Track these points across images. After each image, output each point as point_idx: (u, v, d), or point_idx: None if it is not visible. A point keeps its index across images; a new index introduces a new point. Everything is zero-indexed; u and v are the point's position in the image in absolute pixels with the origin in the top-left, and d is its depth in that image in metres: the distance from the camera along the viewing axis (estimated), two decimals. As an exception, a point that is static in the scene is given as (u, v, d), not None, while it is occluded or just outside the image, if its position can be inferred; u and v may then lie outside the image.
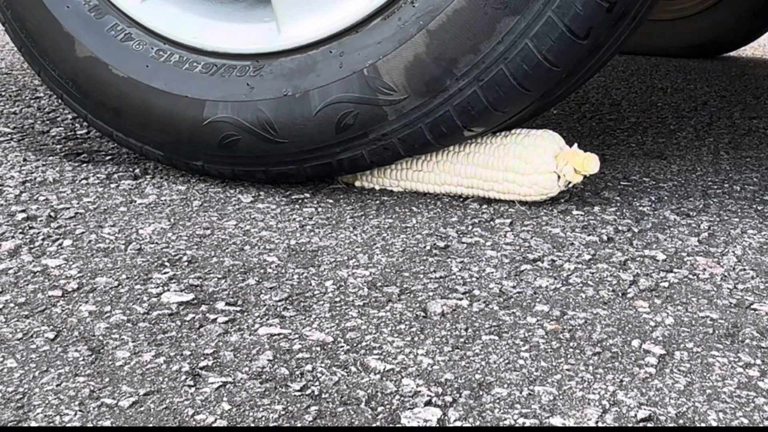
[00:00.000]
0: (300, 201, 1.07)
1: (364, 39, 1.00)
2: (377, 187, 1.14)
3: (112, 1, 1.12)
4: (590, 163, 1.04)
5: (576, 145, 1.05)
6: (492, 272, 0.85)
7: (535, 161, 1.03)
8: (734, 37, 2.98)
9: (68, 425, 0.56)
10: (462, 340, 0.70)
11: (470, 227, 0.99)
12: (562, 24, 0.92)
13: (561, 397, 0.61)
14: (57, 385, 0.61)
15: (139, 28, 1.11)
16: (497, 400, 0.61)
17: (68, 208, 1.01)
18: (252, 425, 0.57)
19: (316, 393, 0.61)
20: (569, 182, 1.05)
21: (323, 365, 0.65)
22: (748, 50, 3.25)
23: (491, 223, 1.01)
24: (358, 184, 1.14)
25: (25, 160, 1.22)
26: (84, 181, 1.12)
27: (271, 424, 0.57)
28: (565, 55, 0.95)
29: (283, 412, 0.58)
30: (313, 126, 1.02)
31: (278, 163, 1.07)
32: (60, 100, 1.23)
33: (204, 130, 1.06)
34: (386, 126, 1.00)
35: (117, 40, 1.11)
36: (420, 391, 0.61)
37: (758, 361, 0.68)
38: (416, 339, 0.70)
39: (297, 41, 1.03)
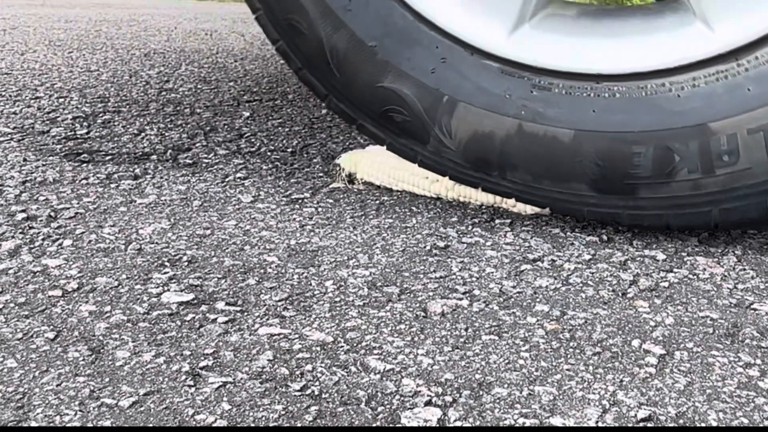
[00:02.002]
0: (300, 201, 1.07)
1: None
2: (377, 183, 1.14)
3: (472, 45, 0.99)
4: None
5: None
6: (492, 272, 0.85)
7: None
8: None
9: (68, 425, 0.56)
10: (462, 340, 0.70)
11: (470, 227, 0.99)
12: None
13: (561, 397, 0.61)
14: (57, 385, 0.61)
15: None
16: (497, 400, 0.61)
17: (68, 208, 1.01)
18: (252, 425, 0.57)
19: (316, 393, 0.61)
20: None
21: (323, 365, 0.65)
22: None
23: (491, 223, 1.01)
24: (359, 176, 1.15)
25: (25, 160, 1.22)
26: (84, 181, 1.12)
27: (271, 424, 0.57)
28: None
29: (283, 412, 0.58)
30: None
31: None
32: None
33: None
34: None
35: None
36: (420, 391, 0.61)
37: (758, 361, 0.68)
38: (416, 339, 0.70)
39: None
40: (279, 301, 0.77)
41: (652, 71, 0.91)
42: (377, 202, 1.08)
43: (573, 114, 0.93)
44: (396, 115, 1.00)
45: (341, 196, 1.10)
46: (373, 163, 1.14)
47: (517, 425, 0.58)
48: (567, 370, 0.65)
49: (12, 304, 0.74)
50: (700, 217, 0.92)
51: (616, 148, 0.91)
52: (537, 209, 1.04)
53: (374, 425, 0.57)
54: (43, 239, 0.90)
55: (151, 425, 0.56)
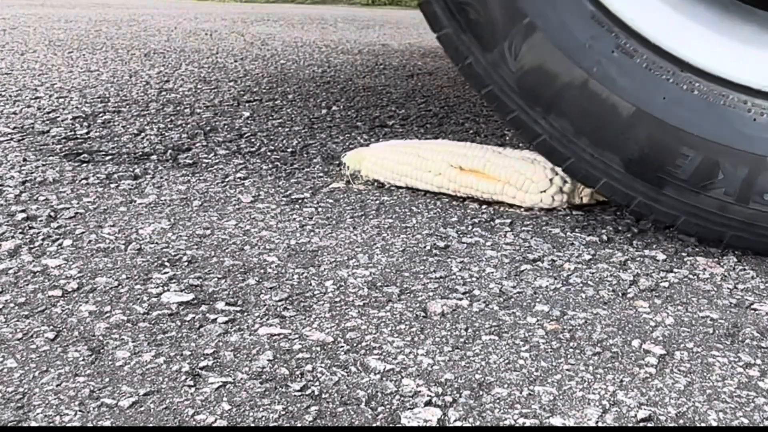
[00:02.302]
0: (300, 201, 1.07)
1: None
2: (381, 179, 1.14)
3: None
4: None
5: None
6: (492, 272, 0.85)
7: (541, 180, 1.03)
8: None
9: (68, 425, 0.56)
10: (462, 340, 0.70)
11: (470, 227, 0.99)
12: None
13: (561, 397, 0.61)
14: (57, 385, 0.61)
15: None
16: (497, 400, 0.60)
17: (68, 208, 1.01)
18: (252, 425, 0.57)
19: (316, 393, 0.61)
20: (577, 203, 1.06)
21: (323, 365, 0.65)
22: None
23: (491, 223, 1.01)
24: (364, 173, 1.15)
25: (25, 160, 1.22)
26: (84, 181, 1.12)
27: (271, 424, 0.57)
28: None
29: (283, 412, 0.58)
30: None
31: None
32: None
33: None
34: None
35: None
36: (420, 391, 0.61)
37: (758, 361, 0.68)
38: (416, 339, 0.70)
39: None
40: (279, 301, 0.77)
41: (743, 85, 0.88)
42: (377, 202, 1.08)
43: (643, 92, 0.90)
44: (471, 11, 0.95)
45: (341, 196, 1.10)
46: (377, 160, 1.14)
47: (517, 425, 0.58)
48: (567, 370, 0.65)
49: (12, 304, 0.74)
50: (711, 233, 0.92)
51: (667, 142, 0.90)
52: (534, 203, 1.04)
53: (374, 425, 0.57)
54: (43, 239, 0.90)
55: (151, 425, 0.56)
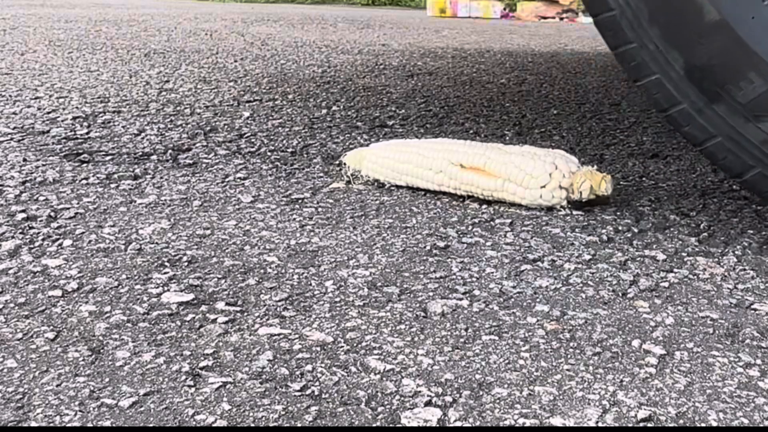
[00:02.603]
0: (300, 201, 1.07)
1: None
2: (382, 179, 1.14)
3: None
4: (606, 184, 1.06)
5: (594, 166, 1.07)
6: (492, 272, 0.85)
7: (541, 175, 1.03)
8: None
9: (68, 425, 0.56)
10: (462, 340, 0.70)
11: (470, 227, 0.99)
12: None
13: (561, 397, 0.61)
14: (57, 385, 0.61)
15: None
16: (497, 400, 0.60)
17: (68, 208, 1.01)
18: (252, 425, 0.57)
19: (316, 393, 0.61)
20: (576, 199, 1.06)
21: (323, 365, 0.65)
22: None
23: (491, 223, 1.01)
24: (364, 172, 1.15)
25: (25, 160, 1.22)
26: (84, 181, 1.12)
27: (271, 424, 0.57)
28: None
29: (283, 412, 0.58)
30: None
31: None
32: None
33: None
34: None
35: None
36: (420, 391, 0.61)
37: (758, 361, 0.68)
38: (416, 339, 0.70)
39: None
40: (279, 301, 0.77)
41: None
42: (377, 202, 1.08)
43: (734, 4, 0.87)
44: None
45: (341, 196, 1.10)
46: (377, 159, 1.14)
47: (517, 425, 0.58)
48: (567, 370, 0.65)
49: (12, 304, 0.74)
50: (738, 164, 0.90)
51: (739, 61, 0.87)
52: (534, 198, 1.04)
53: (374, 425, 0.57)
54: (43, 239, 0.90)
55: (151, 425, 0.56)
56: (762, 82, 0.87)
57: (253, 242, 0.92)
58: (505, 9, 6.30)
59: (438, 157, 1.09)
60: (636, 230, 1.00)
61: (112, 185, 1.11)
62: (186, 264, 0.85)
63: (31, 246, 0.88)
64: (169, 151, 1.32)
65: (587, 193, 1.06)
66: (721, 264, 0.90)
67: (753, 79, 0.87)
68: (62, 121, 1.50)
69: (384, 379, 0.63)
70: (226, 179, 1.17)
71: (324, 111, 1.75)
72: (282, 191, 1.11)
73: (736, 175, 0.91)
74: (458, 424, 0.57)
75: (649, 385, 0.63)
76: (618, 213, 1.07)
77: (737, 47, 0.87)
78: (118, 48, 2.70)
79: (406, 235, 0.96)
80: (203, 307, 0.75)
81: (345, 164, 1.18)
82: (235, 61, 2.53)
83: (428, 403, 0.60)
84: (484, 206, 1.07)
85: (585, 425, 0.58)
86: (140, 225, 0.96)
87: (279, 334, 0.70)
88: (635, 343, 0.70)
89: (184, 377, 0.62)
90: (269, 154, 1.34)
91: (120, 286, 0.79)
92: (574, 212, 1.06)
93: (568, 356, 0.68)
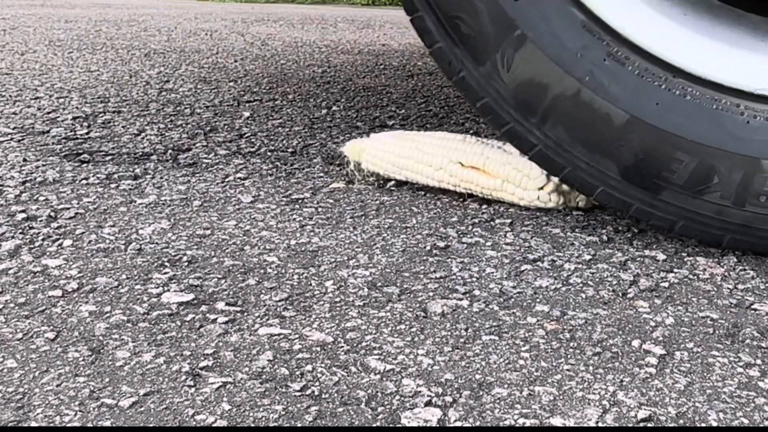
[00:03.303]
0: (300, 201, 1.07)
1: None
2: (381, 172, 1.14)
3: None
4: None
5: None
6: (492, 272, 0.85)
7: (538, 177, 1.04)
8: None
9: (68, 425, 0.56)
10: (462, 340, 0.70)
11: (470, 227, 0.99)
12: None
13: (561, 397, 0.61)
14: (57, 385, 0.61)
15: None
16: (497, 400, 0.60)
17: (68, 208, 1.01)
18: (252, 425, 0.57)
19: (316, 393, 0.61)
20: (573, 207, 1.06)
21: (323, 365, 0.65)
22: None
23: (491, 223, 1.01)
24: (363, 165, 1.16)
25: (25, 160, 1.22)
26: (84, 181, 1.12)
27: (271, 424, 0.57)
28: None
29: (283, 412, 0.58)
30: None
31: None
32: None
33: None
34: None
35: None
36: (420, 392, 0.61)
37: (758, 361, 0.68)
38: (416, 339, 0.70)
39: None
40: (279, 301, 0.77)
41: (735, 89, 0.89)
42: (377, 202, 1.08)
43: (635, 99, 0.91)
44: (463, 24, 0.95)
45: (341, 196, 1.10)
46: (377, 152, 1.14)
47: (517, 425, 0.58)
48: (567, 370, 0.65)
49: (12, 304, 0.74)
50: (710, 236, 0.92)
51: (661, 148, 0.90)
52: (531, 200, 1.04)
53: (374, 425, 0.57)
54: (43, 239, 0.90)
55: (151, 425, 0.56)
56: (690, 158, 0.89)
57: (253, 242, 0.92)
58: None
59: (438, 154, 1.09)
60: (636, 230, 1.00)
61: (112, 185, 1.11)
62: (186, 264, 0.85)
63: (31, 246, 0.88)
64: (169, 151, 1.32)
65: (584, 203, 1.06)
66: (721, 264, 0.90)
67: (681, 158, 0.90)
68: (62, 121, 1.50)
69: (384, 379, 0.63)
70: (226, 179, 1.17)
71: (324, 111, 1.75)
72: (282, 191, 1.11)
73: (716, 244, 0.94)
74: (458, 424, 0.57)
75: (649, 385, 0.63)
76: (618, 213, 1.07)
77: (655, 136, 0.90)
78: (118, 48, 2.70)
79: (406, 235, 0.96)
80: (203, 307, 0.75)
81: (344, 155, 1.19)
82: (235, 61, 2.54)
83: (428, 403, 0.60)
84: (484, 206, 1.07)
85: (585, 425, 0.58)
86: (140, 225, 0.96)
87: (279, 334, 0.70)
88: (635, 343, 0.70)
89: (184, 377, 0.62)
90: (269, 154, 1.34)
91: (120, 286, 0.79)
92: (574, 212, 1.06)
93: (568, 356, 0.67)
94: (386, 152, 1.14)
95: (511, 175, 1.05)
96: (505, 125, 0.97)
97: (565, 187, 1.05)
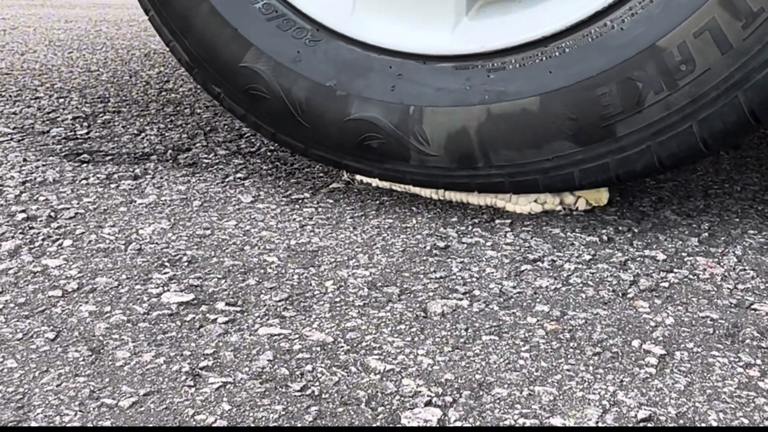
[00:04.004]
0: (300, 201, 1.07)
1: None
2: (374, 184, 1.14)
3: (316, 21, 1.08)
4: (602, 197, 1.06)
5: None
6: (492, 272, 0.85)
7: (530, 194, 1.03)
8: None
9: (68, 425, 0.56)
10: (462, 340, 0.70)
11: (470, 227, 0.99)
12: None
13: (561, 397, 0.61)
14: (57, 385, 0.61)
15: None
16: (497, 400, 0.60)
17: (68, 208, 1.01)
18: (252, 425, 0.57)
19: (316, 393, 0.61)
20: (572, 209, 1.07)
21: (323, 365, 0.65)
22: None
23: (491, 223, 1.01)
24: (358, 177, 1.15)
25: (25, 160, 1.22)
26: (84, 181, 1.12)
27: (271, 424, 0.57)
28: None
29: (283, 412, 0.58)
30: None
31: None
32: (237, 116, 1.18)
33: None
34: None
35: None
36: (420, 392, 0.61)
37: (758, 361, 0.68)
38: (416, 339, 0.70)
39: None
40: (279, 301, 0.77)
41: (591, 16, 0.93)
42: (377, 202, 1.08)
43: (532, 82, 0.95)
44: (372, 141, 1.02)
45: (341, 196, 1.10)
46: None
47: (517, 425, 0.58)
48: (567, 370, 0.65)
49: (12, 304, 0.74)
50: (684, 138, 0.93)
51: (582, 97, 0.93)
52: (532, 207, 1.04)
53: (374, 425, 0.57)
54: (43, 239, 0.90)
55: (151, 425, 0.56)
56: (608, 88, 0.93)
57: (253, 242, 0.92)
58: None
59: None
60: (636, 230, 1.00)
61: (112, 185, 1.11)
62: (186, 264, 0.85)
63: (31, 246, 0.88)
64: (169, 151, 1.32)
65: (584, 206, 1.06)
66: (721, 264, 0.90)
67: (602, 91, 0.93)
68: (62, 121, 1.50)
69: (384, 379, 0.63)
70: (226, 179, 1.17)
71: (324, 111, 1.74)
72: (282, 191, 1.11)
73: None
74: (458, 424, 0.57)
75: (649, 385, 0.63)
76: (618, 213, 1.07)
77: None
78: (118, 48, 2.70)
79: (406, 235, 0.96)
80: (203, 307, 0.75)
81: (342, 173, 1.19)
82: (235, 61, 2.53)
83: (428, 403, 0.60)
84: (484, 206, 1.07)
85: (585, 425, 0.58)
86: (140, 225, 0.96)
87: (279, 334, 0.70)
88: (635, 343, 0.70)
89: (184, 377, 0.62)
90: (269, 154, 1.34)
91: (120, 286, 0.79)
92: (574, 212, 1.06)
93: (568, 356, 0.68)
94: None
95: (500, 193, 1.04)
96: (472, 187, 1.03)
97: (561, 196, 1.05)
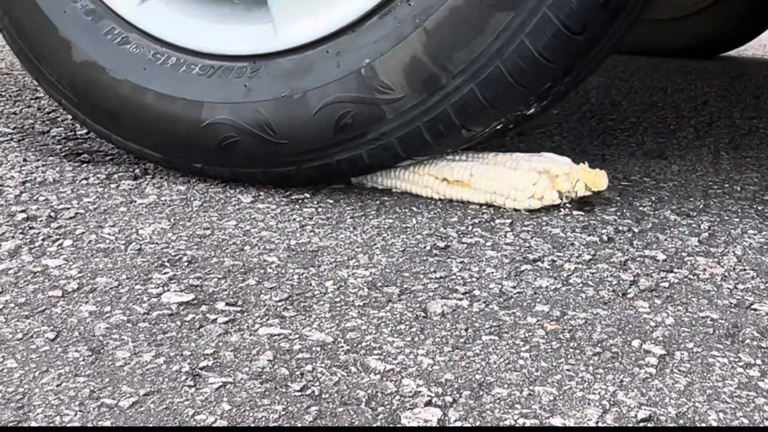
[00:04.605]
0: (300, 201, 1.07)
1: (360, 39, 1.00)
2: (379, 187, 1.14)
3: (109, 6, 1.13)
4: (600, 180, 1.06)
5: (586, 163, 1.07)
6: (492, 272, 0.85)
7: (526, 187, 1.03)
8: (733, 36, 3.03)
9: (68, 425, 0.56)
10: (462, 340, 0.70)
11: (470, 227, 0.99)
12: (557, 20, 0.92)
13: (561, 397, 0.61)
14: (57, 385, 0.61)
15: (136, 32, 1.12)
16: (497, 401, 0.60)
17: (68, 208, 1.01)
18: (252, 425, 0.57)
19: (316, 393, 0.61)
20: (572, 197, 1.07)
21: (323, 365, 0.65)
22: (749, 50, 3.25)
23: (491, 223, 1.01)
24: (355, 181, 1.15)
25: (25, 160, 1.22)
26: (84, 181, 1.12)
27: (271, 424, 0.57)
28: (561, 50, 0.95)
29: (283, 412, 0.58)
30: (311, 126, 1.02)
31: (277, 165, 1.07)
32: (59, 105, 1.23)
33: (202, 132, 1.06)
34: (385, 125, 1.00)
35: (114, 44, 1.11)
36: (420, 392, 0.61)
37: (758, 361, 0.68)
38: (416, 339, 0.70)
39: (293, 42, 1.04)
40: (279, 301, 0.77)
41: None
42: (377, 202, 1.08)
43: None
44: (346, 119, 1.03)
45: (341, 196, 1.10)
46: (369, 174, 1.14)
47: (517, 425, 0.58)
48: (567, 370, 0.65)
49: (12, 304, 0.74)
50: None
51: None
52: (530, 203, 1.04)
53: (374, 425, 0.57)
54: (43, 239, 0.90)
55: (151, 425, 0.56)
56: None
57: (253, 242, 0.92)
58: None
59: (422, 172, 1.09)
60: (636, 230, 1.00)
61: (112, 185, 1.11)
62: (186, 264, 0.85)
63: (31, 246, 0.88)
64: (169, 151, 1.31)
65: (583, 191, 1.07)
66: (721, 264, 0.90)
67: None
68: (62, 121, 1.50)
69: (384, 379, 0.63)
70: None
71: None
72: (282, 191, 1.11)
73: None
74: (458, 424, 0.57)
75: (649, 385, 0.63)
76: (618, 213, 1.07)
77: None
78: (118, 48, 2.70)
79: (406, 235, 0.96)
80: (203, 307, 0.75)
81: None
82: (236, 61, 2.53)
83: (428, 403, 0.60)
84: (484, 206, 1.07)
85: (585, 425, 0.58)
86: (140, 225, 0.96)
87: (279, 334, 0.70)
88: (635, 343, 0.70)
89: (184, 377, 0.62)
90: (269, 154, 1.34)
91: (120, 286, 0.79)
92: (574, 212, 1.06)
93: (568, 356, 0.68)
94: (375, 174, 1.13)
95: (498, 188, 1.04)
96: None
97: (560, 183, 1.05)
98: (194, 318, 0.73)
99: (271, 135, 1.03)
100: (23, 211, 0.99)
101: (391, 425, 0.57)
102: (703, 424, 0.59)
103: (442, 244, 0.93)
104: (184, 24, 1.11)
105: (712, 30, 2.99)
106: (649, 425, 0.58)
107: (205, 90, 1.06)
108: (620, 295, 0.81)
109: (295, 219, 1.00)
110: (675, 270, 0.88)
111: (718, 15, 2.97)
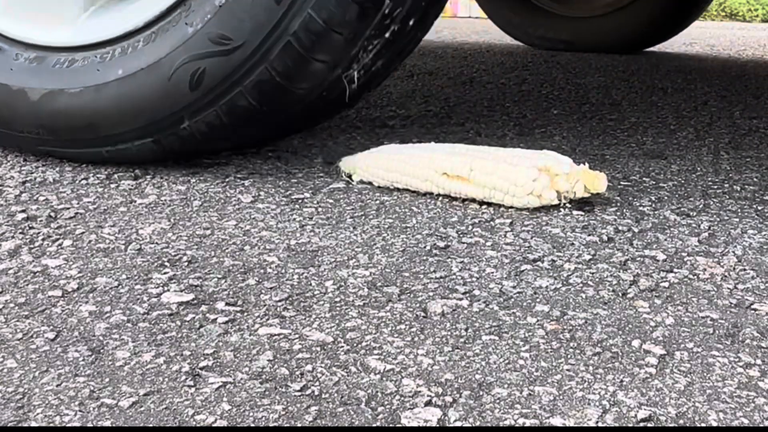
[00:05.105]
0: (300, 201, 1.07)
1: None
2: (375, 183, 1.14)
3: None
4: (599, 183, 1.06)
5: (587, 164, 1.07)
6: (492, 272, 0.85)
7: (526, 183, 1.03)
8: (654, 32, 3.12)
9: (68, 425, 0.56)
10: (462, 340, 0.70)
11: (470, 227, 0.99)
12: None
13: (561, 397, 0.61)
14: (57, 385, 0.61)
15: None
16: (497, 401, 0.60)
17: (68, 208, 1.01)
18: (252, 425, 0.57)
19: (316, 393, 0.61)
20: (567, 199, 1.07)
21: (323, 365, 0.65)
22: (748, 50, 3.25)
23: (491, 223, 1.01)
24: (356, 178, 1.15)
25: (25, 160, 1.22)
26: (84, 181, 1.12)
27: (271, 424, 0.57)
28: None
29: (283, 412, 0.58)
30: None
31: None
32: None
33: None
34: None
35: None
36: (420, 392, 0.61)
37: (758, 361, 0.68)
38: (416, 339, 0.70)
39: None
40: (279, 301, 0.77)
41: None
42: (377, 202, 1.08)
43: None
44: None
45: (341, 196, 1.10)
46: (368, 168, 1.15)
47: (517, 425, 0.58)
48: (567, 370, 0.65)
49: (12, 304, 0.74)
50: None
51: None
52: (529, 200, 1.03)
53: (374, 425, 0.57)
54: (43, 239, 0.90)
55: (151, 425, 0.56)
56: None
57: (253, 242, 0.92)
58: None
59: (423, 166, 1.09)
60: (636, 230, 1.00)
61: (112, 185, 1.11)
62: (186, 264, 0.85)
63: (31, 246, 0.88)
64: (169, 151, 1.31)
65: (581, 192, 1.07)
66: (721, 264, 0.90)
67: None
68: (62, 121, 1.50)
69: (384, 379, 0.63)
70: (226, 179, 1.17)
71: (324, 111, 1.74)
72: (282, 191, 1.11)
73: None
74: (458, 424, 0.57)
75: (649, 385, 0.63)
76: (618, 213, 1.07)
77: None
78: (118, 48, 2.70)
79: (406, 235, 0.96)
80: (203, 307, 0.75)
81: (340, 169, 1.19)
82: (236, 61, 2.53)
83: (428, 403, 0.60)
84: (484, 206, 1.07)
85: (585, 425, 0.58)
86: (140, 225, 0.96)
87: (279, 334, 0.70)
88: (635, 343, 0.70)
89: (184, 377, 0.62)
90: (269, 154, 1.34)
91: (120, 286, 0.79)
92: (574, 212, 1.06)
93: (568, 356, 0.68)
94: (376, 167, 1.13)
95: (497, 184, 1.04)
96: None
97: (559, 183, 1.05)
98: (194, 318, 0.73)
99: None
100: (23, 211, 0.99)
101: (391, 425, 0.57)
102: (703, 424, 0.59)
103: (442, 244, 0.93)
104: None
105: (632, 28, 3.09)
106: (649, 425, 0.58)
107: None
108: (620, 295, 0.81)
109: (295, 219, 1.00)
110: (675, 270, 0.88)
111: (636, 13, 3.07)
